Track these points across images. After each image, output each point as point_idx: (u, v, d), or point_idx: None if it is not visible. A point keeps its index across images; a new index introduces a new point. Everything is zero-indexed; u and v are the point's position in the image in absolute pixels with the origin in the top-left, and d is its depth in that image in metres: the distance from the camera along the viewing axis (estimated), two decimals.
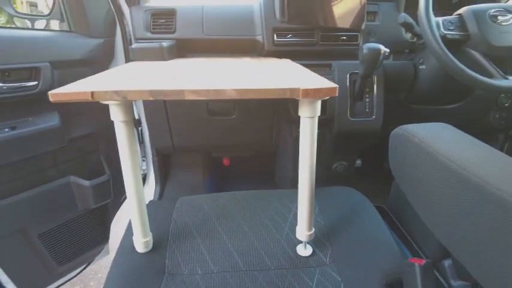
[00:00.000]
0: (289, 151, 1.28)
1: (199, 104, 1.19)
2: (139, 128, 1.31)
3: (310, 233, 0.74)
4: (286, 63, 1.01)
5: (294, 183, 1.33)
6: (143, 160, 1.40)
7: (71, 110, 1.05)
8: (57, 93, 0.57)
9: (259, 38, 1.11)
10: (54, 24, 1.16)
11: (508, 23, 0.93)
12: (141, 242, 0.72)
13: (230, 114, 1.22)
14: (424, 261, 0.62)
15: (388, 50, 0.98)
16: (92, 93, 0.57)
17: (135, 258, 0.72)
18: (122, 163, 0.66)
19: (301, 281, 0.69)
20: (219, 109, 1.22)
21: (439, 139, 0.60)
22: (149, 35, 1.11)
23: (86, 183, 1.08)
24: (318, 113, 0.66)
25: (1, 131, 0.91)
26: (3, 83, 0.90)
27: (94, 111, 1.13)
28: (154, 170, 1.34)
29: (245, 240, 0.78)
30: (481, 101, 1.20)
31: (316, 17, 1.06)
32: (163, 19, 1.12)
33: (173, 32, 1.12)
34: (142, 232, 0.72)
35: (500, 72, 0.93)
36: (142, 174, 1.42)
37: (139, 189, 0.69)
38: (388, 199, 1.07)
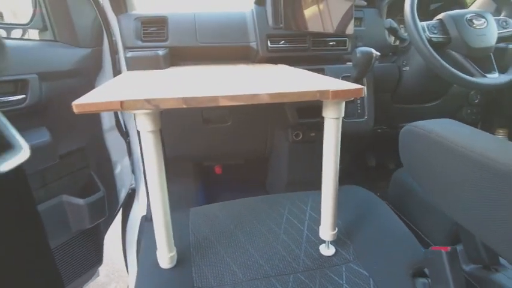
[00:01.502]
0: (284, 155, 1.29)
1: (194, 112, 1.17)
2: (127, 139, 1.25)
3: (334, 232, 0.76)
4: (286, 68, 1.03)
5: (288, 188, 1.35)
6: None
7: (60, 124, 0.99)
8: (83, 104, 0.54)
9: (253, 44, 1.12)
10: (34, 34, 1.08)
11: (482, 26, 1.03)
12: (167, 257, 0.70)
13: (225, 121, 1.22)
14: (449, 248, 0.66)
15: (379, 54, 1.03)
16: (122, 102, 0.55)
17: (161, 274, 0.69)
18: (148, 175, 0.64)
19: (331, 280, 0.70)
20: (214, 117, 1.20)
21: (455, 133, 0.65)
22: (140, 43, 1.08)
23: (80, 201, 1.01)
24: (343, 114, 0.69)
25: None
26: None
27: (83, 124, 1.07)
28: (145, 184, 1.29)
29: (268, 246, 0.78)
30: (455, 99, 1.31)
31: (310, 24, 1.10)
32: (154, 27, 1.09)
33: (165, 40, 1.09)
34: (168, 247, 0.69)
35: (479, 70, 1.02)
36: (130, 188, 1.35)
37: (165, 202, 0.67)
38: (387, 193, 1.12)
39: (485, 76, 1.02)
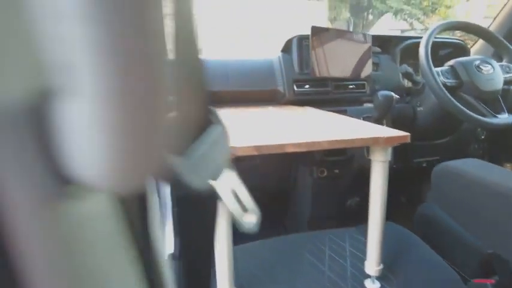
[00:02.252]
0: (307, 191, 1.34)
1: None
2: None
3: (380, 267, 0.80)
4: (315, 111, 1.11)
5: (310, 223, 1.39)
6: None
7: None
8: None
9: (280, 88, 1.21)
10: None
11: (489, 72, 1.14)
12: None
13: (254, 159, 1.27)
14: (493, 280, 0.70)
15: (398, 97, 1.13)
16: None
17: None
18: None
19: None
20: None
21: (486, 172, 0.72)
22: None
23: None
24: (389, 157, 0.75)
25: None
26: None
27: None
28: (173, 221, 1.31)
29: (315, 282, 0.81)
30: (464, 135, 1.41)
31: (331, 69, 1.20)
32: None
33: None
34: (230, 285, 0.72)
35: (490, 111, 1.12)
36: None
37: (230, 240, 0.70)
38: (413, 228, 1.17)
39: (496, 116, 1.11)
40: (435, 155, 1.40)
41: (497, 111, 1.13)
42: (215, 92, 1.17)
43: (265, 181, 1.36)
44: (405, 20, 6.82)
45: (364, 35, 1.25)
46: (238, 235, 1.47)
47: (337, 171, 1.28)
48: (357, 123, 0.87)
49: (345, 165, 1.25)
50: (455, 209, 0.79)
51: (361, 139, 0.67)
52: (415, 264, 0.85)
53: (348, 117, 0.94)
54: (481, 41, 1.46)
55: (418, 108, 1.30)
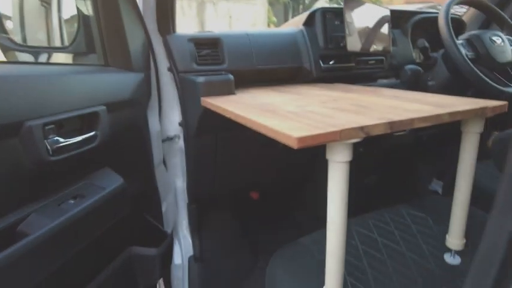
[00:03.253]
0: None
1: (250, 138, 1.10)
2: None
3: (464, 241, 0.77)
4: (358, 87, 1.04)
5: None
6: None
7: (121, 163, 0.83)
8: (305, 137, 0.48)
9: (306, 65, 1.11)
10: (68, 58, 0.91)
11: (501, 44, 1.19)
12: None
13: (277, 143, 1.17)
14: None
15: (422, 71, 1.12)
16: (340, 132, 0.50)
17: None
18: (333, 210, 0.57)
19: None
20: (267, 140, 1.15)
21: None
22: (195, 66, 0.98)
23: (153, 251, 0.86)
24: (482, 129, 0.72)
25: (65, 203, 0.66)
26: (63, 137, 0.66)
27: (137, 162, 0.93)
28: (190, 221, 1.15)
29: (400, 264, 0.76)
30: None
31: (355, 44, 1.13)
32: (208, 49, 1.01)
33: (222, 63, 1.01)
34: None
35: (506, 81, 1.17)
36: None
37: (344, 239, 0.60)
38: None
39: (511, 86, 1.17)
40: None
41: (511, 81, 1.19)
42: (239, 70, 1.03)
43: (292, 167, 1.27)
44: (339, 3, 7.14)
45: (385, 9, 1.21)
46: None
47: (361, 149, 1.24)
48: (423, 96, 0.82)
49: (370, 144, 1.22)
50: None
51: (471, 110, 0.62)
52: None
53: (403, 91, 0.90)
54: (469, 14, 1.53)
55: (430, 83, 1.31)
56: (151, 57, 0.97)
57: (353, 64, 1.17)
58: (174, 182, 1.13)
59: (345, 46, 1.12)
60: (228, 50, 1.02)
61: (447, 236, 0.79)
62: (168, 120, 1.07)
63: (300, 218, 1.43)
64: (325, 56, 1.13)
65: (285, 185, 1.41)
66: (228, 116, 0.72)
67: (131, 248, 0.84)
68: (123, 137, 0.86)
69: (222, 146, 1.07)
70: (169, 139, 1.07)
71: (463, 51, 1.13)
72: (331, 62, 1.14)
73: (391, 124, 0.54)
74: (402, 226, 0.89)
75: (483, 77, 1.10)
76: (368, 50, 1.16)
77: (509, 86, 1.17)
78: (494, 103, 0.67)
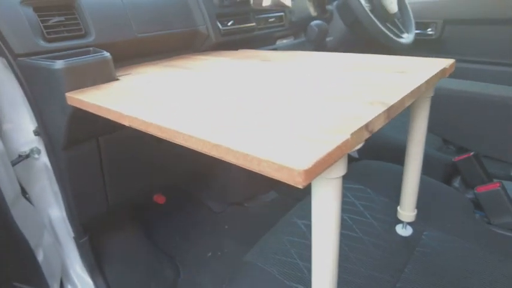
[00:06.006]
0: None
1: (142, 134, 0.83)
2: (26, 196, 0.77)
3: (415, 213, 0.74)
4: (267, 53, 0.87)
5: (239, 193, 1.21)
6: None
7: None
8: (315, 165, 0.29)
9: (202, 28, 0.88)
10: None
11: None
12: None
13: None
14: (499, 183, 0.77)
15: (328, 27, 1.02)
16: (351, 138, 0.33)
17: None
18: (323, 244, 0.40)
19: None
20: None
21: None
22: (43, 44, 0.64)
23: None
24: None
25: None
26: None
27: None
28: (82, 258, 0.85)
29: (351, 240, 0.68)
30: None
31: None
32: (60, 15, 0.67)
33: (85, 36, 0.69)
34: None
35: (397, 32, 1.18)
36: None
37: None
38: None
39: (402, 37, 1.19)
40: None
41: (401, 32, 1.21)
42: (113, 43, 0.73)
43: (189, 159, 1.05)
44: None
45: None
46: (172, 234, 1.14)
47: None
48: (368, 58, 0.71)
49: None
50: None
51: (437, 73, 0.53)
52: (441, 205, 0.82)
53: (331, 53, 0.76)
54: None
55: (328, 38, 1.24)
56: None
57: (254, 24, 0.99)
58: (47, 214, 0.80)
59: (242, 1, 0.93)
60: (93, 16, 0.70)
61: (399, 209, 0.74)
62: (15, 130, 0.71)
63: (217, 208, 1.26)
64: (222, 16, 0.91)
65: (194, 177, 1.20)
66: (128, 124, 0.46)
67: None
68: None
69: (107, 151, 0.78)
70: (24, 157, 0.72)
71: (362, 1, 1.08)
72: (229, 23, 0.93)
73: (388, 111, 0.39)
74: (348, 206, 0.81)
75: (382, 28, 1.07)
76: (260, 4, 0.99)
77: (401, 37, 1.18)
78: (450, 62, 0.59)
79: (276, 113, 0.40)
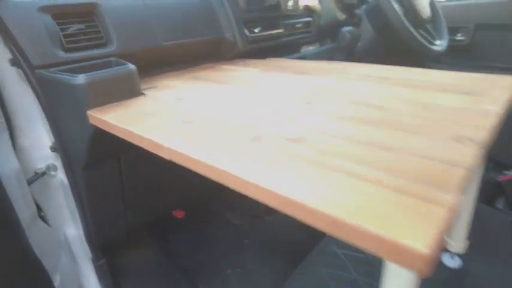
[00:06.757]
0: None
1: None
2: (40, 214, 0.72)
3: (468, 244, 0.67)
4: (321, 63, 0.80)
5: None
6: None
7: None
8: (436, 244, 0.23)
9: (229, 36, 0.82)
10: None
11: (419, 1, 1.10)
12: None
13: None
14: None
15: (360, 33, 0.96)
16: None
17: None
18: None
19: None
20: None
21: None
22: (62, 54, 0.59)
23: None
24: None
25: None
26: None
27: None
28: (100, 281, 0.80)
29: None
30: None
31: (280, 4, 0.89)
32: (79, 23, 0.62)
33: (105, 45, 0.64)
34: None
35: (430, 39, 1.11)
36: None
37: None
38: None
39: (435, 44, 1.11)
40: None
41: (433, 38, 1.14)
42: (136, 52, 0.68)
43: None
44: None
45: None
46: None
47: None
48: (420, 75, 0.63)
49: None
50: None
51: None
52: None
53: (378, 66, 0.70)
54: None
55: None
56: None
57: (282, 30, 0.93)
58: (64, 233, 0.75)
59: (270, 6, 0.87)
60: (114, 22, 0.65)
61: (447, 239, 0.67)
62: (31, 145, 0.66)
63: (236, 220, 1.21)
64: (249, 21, 0.85)
65: (213, 190, 1.14)
66: (169, 158, 0.40)
67: None
68: None
69: (128, 169, 0.72)
70: (41, 175, 0.67)
71: (395, 4, 1.01)
72: (256, 30, 0.87)
73: (481, 151, 0.32)
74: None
75: (415, 34, 1.00)
76: (290, 9, 0.93)
77: (434, 44, 1.11)
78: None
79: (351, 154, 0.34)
